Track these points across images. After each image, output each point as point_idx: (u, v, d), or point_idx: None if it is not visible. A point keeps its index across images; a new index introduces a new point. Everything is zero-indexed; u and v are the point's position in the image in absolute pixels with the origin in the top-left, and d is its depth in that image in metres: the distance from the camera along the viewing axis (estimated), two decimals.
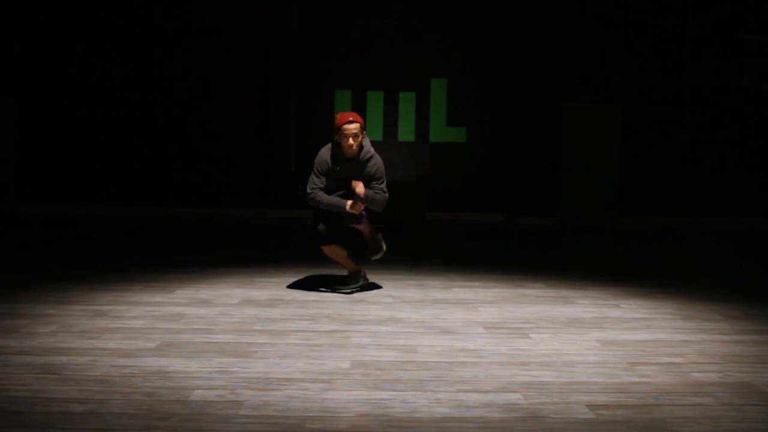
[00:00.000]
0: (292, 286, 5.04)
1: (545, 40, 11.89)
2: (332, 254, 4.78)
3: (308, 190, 4.59)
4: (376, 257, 4.91)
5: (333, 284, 4.98)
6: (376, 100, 11.91)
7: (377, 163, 4.65)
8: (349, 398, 2.63)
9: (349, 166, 4.60)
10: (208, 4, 11.67)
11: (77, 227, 9.50)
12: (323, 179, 4.63)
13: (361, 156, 4.60)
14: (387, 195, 4.64)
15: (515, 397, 2.68)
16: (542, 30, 11.87)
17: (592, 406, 2.59)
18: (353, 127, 4.48)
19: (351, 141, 4.48)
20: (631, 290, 5.18)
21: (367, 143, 4.64)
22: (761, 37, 12.11)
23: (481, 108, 12.01)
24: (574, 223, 11.84)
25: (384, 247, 4.89)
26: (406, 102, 11.96)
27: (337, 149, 4.60)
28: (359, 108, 11.84)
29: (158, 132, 11.79)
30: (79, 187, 11.76)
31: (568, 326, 3.97)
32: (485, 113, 12.01)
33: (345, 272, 5.02)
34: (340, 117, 4.56)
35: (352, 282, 4.90)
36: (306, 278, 5.39)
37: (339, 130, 4.51)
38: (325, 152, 4.65)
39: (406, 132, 11.97)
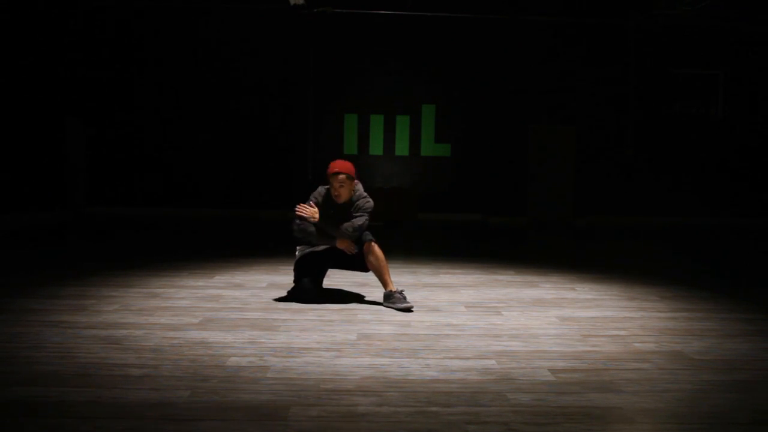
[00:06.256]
0: None
1: (515, 73, 11.92)
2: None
3: (297, 220, 3.82)
4: (405, 306, 3.74)
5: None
6: (377, 122, 11.90)
7: (367, 200, 3.91)
8: (355, 364, 2.63)
9: (341, 209, 3.90)
10: (242, 47, 11.66)
11: (135, 225, 9.49)
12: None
13: (353, 199, 3.90)
14: (362, 223, 3.83)
15: (490, 363, 2.68)
16: (513, 65, 11.90)
17: (552, 370, 2.59)
18: (340, 178, 3.80)
19: (338, 191, 3.82)
20: (584, 276, 5.18)
21: (359, 188, 3.93)
22: (689, 71, 12.11)
23: (462, 128, 12.02)
24: (539, 222, 11.84)
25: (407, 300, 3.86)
26: (402, 123, 11.96)
27: (330, 191, 3.91)
28: (363, 128, 11.85)
29: (202, 151, 11.78)
30: (137, 192, 11.75)
31: (533, 305, 3.96)
32: (466, 132, 12.02)
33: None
34: (331, 165, 3.86)
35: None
36: None
37: (328, 177, 3.86)
38: (322, 189, 3.96)
39: (401, 148, 11.96)
